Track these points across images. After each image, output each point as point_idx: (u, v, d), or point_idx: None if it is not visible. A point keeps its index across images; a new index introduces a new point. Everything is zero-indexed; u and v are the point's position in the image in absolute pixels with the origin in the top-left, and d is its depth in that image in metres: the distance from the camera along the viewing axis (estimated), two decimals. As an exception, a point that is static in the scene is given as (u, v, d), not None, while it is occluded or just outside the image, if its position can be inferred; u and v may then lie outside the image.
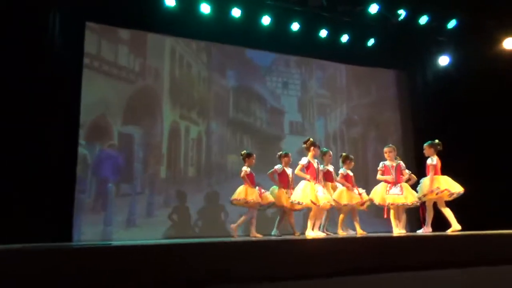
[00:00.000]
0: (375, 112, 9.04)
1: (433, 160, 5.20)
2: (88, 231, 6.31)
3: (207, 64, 7.85)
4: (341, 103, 8.89)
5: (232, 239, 4.67)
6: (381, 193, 5.34)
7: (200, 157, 7.50)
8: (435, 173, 5.18)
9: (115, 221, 6.57)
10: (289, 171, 5.69)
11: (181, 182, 7.23)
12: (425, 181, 5.28)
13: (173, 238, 6.60)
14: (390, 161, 5.45)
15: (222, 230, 7.09)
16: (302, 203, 5.06)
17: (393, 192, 5.25)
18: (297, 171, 5.26)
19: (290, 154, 5.80)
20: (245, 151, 5.74)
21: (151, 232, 6.65)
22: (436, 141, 5.32)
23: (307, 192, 5.03)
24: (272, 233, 5.66)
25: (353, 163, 5.93)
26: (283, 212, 5.72)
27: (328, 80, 8.90)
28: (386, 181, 5.38)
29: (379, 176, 5.48)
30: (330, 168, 5.94)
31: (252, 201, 5.32)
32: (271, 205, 5.59)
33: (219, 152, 7.66)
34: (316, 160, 5.35)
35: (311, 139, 5.39)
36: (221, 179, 7.54)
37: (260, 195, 5.42)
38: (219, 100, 7.85)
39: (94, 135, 6.69)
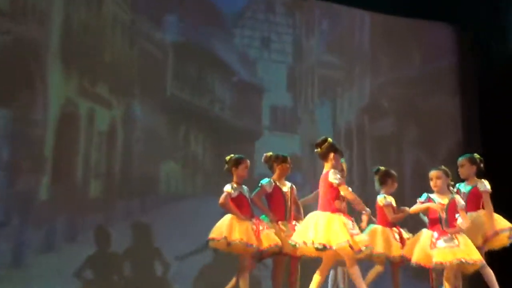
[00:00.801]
0: (418, 96, 9.09)
1: (486, 185, 5.67)
2: None
3: (130, 4, 7.82)
4: (361, 78, 8.94)
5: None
6: (422, 246, 5.32)
7: (112, 163, 7.50)
8: (478, 207, 5.68)
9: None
10: (286, 187, 5.61)
11: (78, 206, 7.15)
12: (478, 218, 5.57)
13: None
14: (438, 194, 5.44)
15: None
16: (332, 247, 4.83)
17: (442, 245, 5.24)
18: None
19: (289, 159, 5.68)
20: (232, 155, 5.56)
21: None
22: (477, 155, 5.83)
23: (337, 229, 4.88)
24: None
25: (396, 184, 5.92)
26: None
27: (339, 37, 8.93)
28: (431, 219, 5.40)
29: (413, 208, 5.50)
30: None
31: (238, 242, 5.14)
32: (273, 250, 5.34)
33: (146, 155, 7.63)
34: None
35: (329, 139, 5.22)
36: (150, 202, 7.54)
37: (258, 233, 5.28)
38: (150, 66, 7.82)
39: None
